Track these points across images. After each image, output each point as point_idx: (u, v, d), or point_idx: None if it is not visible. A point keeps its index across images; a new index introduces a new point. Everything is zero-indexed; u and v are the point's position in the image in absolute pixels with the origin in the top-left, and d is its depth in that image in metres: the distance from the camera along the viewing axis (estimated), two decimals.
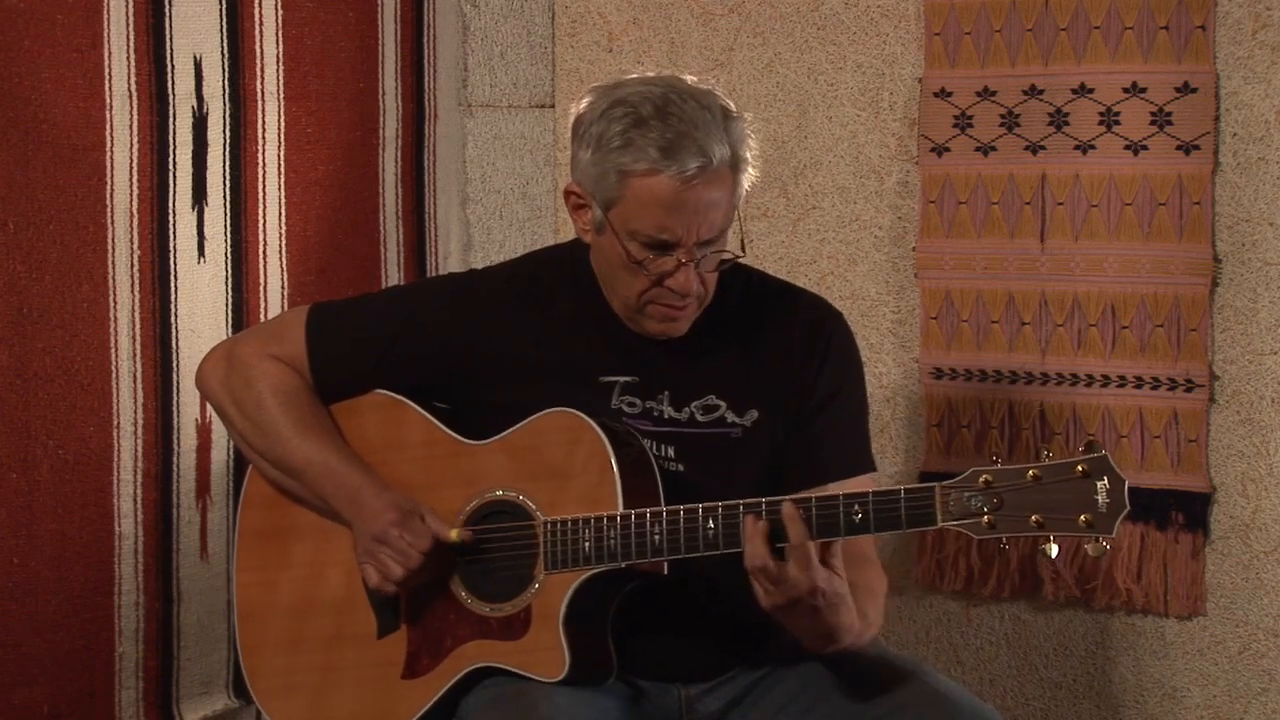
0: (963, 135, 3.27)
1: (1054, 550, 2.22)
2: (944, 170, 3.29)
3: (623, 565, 2.37)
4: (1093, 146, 3.18)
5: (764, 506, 2.31)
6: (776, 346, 2.53)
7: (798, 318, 2.56)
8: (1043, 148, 3.21)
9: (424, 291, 2.77)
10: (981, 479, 2.24)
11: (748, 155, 2.42)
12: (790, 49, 3.42)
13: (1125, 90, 3.14)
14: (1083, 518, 2.20)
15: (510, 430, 2.48)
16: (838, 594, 2.29)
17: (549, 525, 2.41)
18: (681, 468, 2.49)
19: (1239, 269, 3.11)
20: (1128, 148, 3.15)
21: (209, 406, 2.99)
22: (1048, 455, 2.24)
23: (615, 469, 2.38)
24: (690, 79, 2.45)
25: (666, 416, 2.50)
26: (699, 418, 2.51)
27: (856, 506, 2.27)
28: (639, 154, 2.36)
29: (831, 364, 2.54)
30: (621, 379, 2.51)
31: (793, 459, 2.51)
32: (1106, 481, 2.20)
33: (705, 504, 2.34)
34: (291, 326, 2.62)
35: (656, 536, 2.35)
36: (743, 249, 2.46)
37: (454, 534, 2.46)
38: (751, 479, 2.46)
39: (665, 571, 2.38)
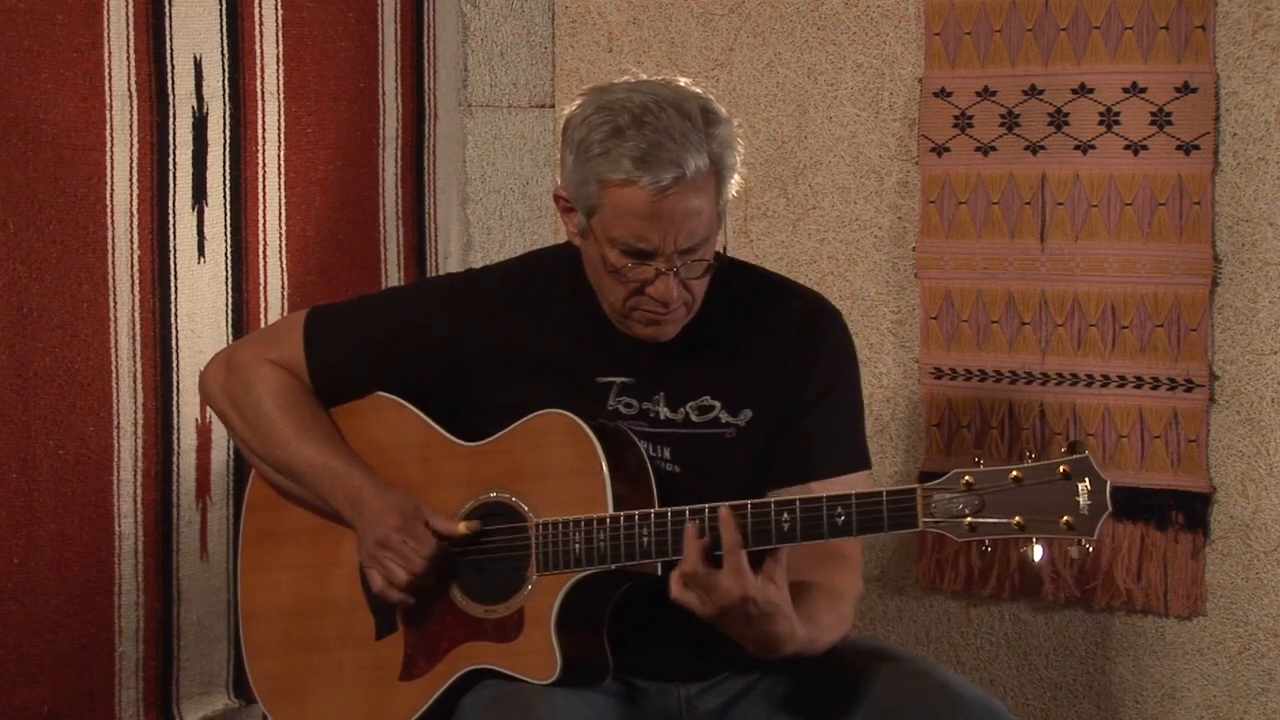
0: (963, 135, 3.27)
1: (1038, 553, 2.20)
2: (944, 170, 3.29)
3: (612, 568, 2.37)
4: (1093, 146, 3.17)
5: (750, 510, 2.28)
6: (771, 345, 2.52)
7: (793, 315, 2.54)
8: (1043, 148, 3.21)
9: (421, 294, 2.76)
10: (963, 480, 2.23)
11: (733, 160, 2.39)
12: (790, 49, 3.41)
13: (1125, 90, 3.14)
14: (1064, 519, 2.18)
15: (504, 431, 2.48)
16: (772, 603, 2.26)
17: (540, 527, 2.42)
18: (677, 469, 2.48)
19: (1239, 269, 3.10)
20: (1128, 148, 3.14)
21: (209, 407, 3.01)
22: (1030, 456, 2.22)
23: (605, 470, 2.38)
24: (683, 81, 2.43)
25: (663, 418, 2.50)
26: (694, 418, 2.50)
27: (839, 509, 2.26)
28: (614, 164, 2.34)
29: (824, 361, 2.52)
30: (618, 379, 2.51)
31: (782, 455, 2.50)
32: (1088, 483, 2.18)
33: (692, 506, 2.33)
34: (290, 331, 2.63)
35: (645, 538, 2.35)
36: (725, 251, 2.44)
37: (462, 526, 2.47)
38: (746, 479, 2.46)
39: (659, 572, 2.37)
